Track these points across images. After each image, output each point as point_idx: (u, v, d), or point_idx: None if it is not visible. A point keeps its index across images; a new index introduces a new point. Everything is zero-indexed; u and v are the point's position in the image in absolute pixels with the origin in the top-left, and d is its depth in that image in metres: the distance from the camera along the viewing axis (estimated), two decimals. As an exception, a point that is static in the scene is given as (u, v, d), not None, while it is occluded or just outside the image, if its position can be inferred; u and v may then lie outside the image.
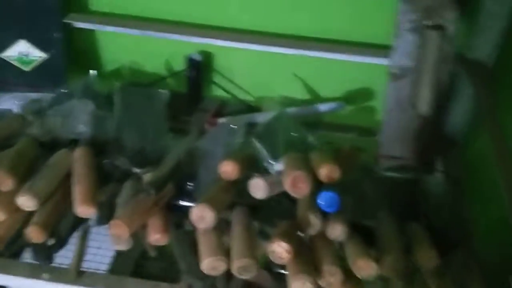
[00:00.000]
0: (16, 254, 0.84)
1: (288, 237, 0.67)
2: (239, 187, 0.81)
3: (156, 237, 0.77)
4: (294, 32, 1.13)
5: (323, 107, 1.11)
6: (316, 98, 1.18)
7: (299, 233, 0.73)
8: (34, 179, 0.79)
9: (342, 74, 1.15)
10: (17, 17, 1.04)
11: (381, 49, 1.04)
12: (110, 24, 1.08)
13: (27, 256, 0.84)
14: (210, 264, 0.70)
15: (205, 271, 0.71)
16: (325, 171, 0.76)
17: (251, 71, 1.19)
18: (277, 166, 0.80)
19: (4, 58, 1.08)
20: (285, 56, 1.12)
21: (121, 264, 1.04)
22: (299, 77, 1.17)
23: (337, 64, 1.11)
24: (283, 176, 0.72)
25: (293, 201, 0.83)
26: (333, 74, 1.16)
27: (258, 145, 0.82)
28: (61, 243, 0.83)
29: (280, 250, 0.66)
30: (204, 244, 0.72)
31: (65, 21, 1.06)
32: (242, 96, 1.20)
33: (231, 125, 0.96)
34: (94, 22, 1.08)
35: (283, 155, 0.82)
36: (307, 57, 1.11)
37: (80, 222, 0.86)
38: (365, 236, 0.80)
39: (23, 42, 1.06)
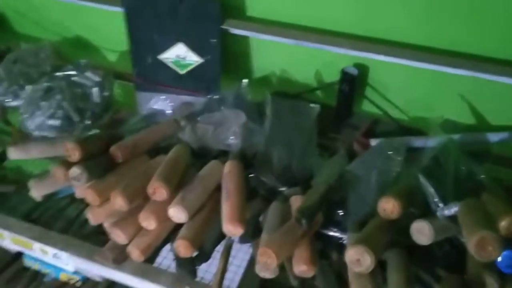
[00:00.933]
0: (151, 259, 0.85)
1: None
2: (398, 224, 0.73)
3: (302, 268, 0.71)
4: (463, 49, 1.00)
5: (493, 136, 0.97)
6: (484, 125, 1.04)
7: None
8: (186, 190, 0.78)
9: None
10: (179, 21, 1.05)
11: None
12: (265, 32, 1.05)
13: (169, 265, 0.85)
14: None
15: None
16: (507, 224, 0.64)
17: (409, 89, 1.08)
18: (447, 210, 0.70)
19: (162, 59, 1.10)
20: (451, 75, 1.00)
21: (249, 282, 1.01)
22: (466, 99, 1.04)
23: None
24: (465, 234, 0.62)
25: (457, 247, 0.73)
26: (507, 99, 1.01)
27: (424, 181, 0.73)
28: (205, 257, 0.82)
29: (453, 316, 0.57)
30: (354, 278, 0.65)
31: (222, 27, 1.05)
32: (396, 114, 1.10)
33: (388, 151, 0.87)
34: (250, 30, 1.06)
35: (453, 195, 0.72)
36: (476, 78, 0.98)
37: (223, 236, 0.84)
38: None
39: (181, 45, 1.07)
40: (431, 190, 0.72)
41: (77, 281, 1.35)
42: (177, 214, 0.76)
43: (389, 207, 0.70)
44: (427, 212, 0.74)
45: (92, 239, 0.91)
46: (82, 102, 1.09)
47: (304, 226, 0.71)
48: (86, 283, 1.36)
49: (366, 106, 1.12)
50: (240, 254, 0.88)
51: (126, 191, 0.77)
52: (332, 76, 1.11)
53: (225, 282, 0.81)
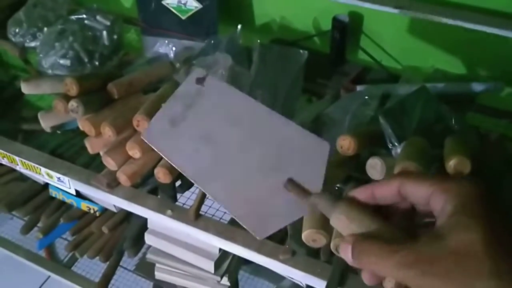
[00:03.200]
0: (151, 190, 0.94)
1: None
2: (359, 161, 0.78)
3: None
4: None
5: (477, 86, 0.99)
6: (473, 74, 1.05)
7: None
8: (168, 124, 0.86)
9: (508, 51, 1.00)
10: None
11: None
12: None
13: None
14: (310, 235, 0.70)
15: (305, 242, 0.71)
16: (453, 164, 0.69)
17: (402, 38, 1.10)
18: (399, 148, 0.74)
19: (165, 5, 1.16)
20: (442, 26, 1.01)
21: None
22: (457, 49, 1.05)
23: (503, 39, 0.96)
24: (396, 164, 0.67)
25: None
26: (496, 50, 1.01)
27: (384, 122, 0.77)
28: (187, 185, 0.91)
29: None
30: (308, 215, 0.71)
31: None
32: (389, 63, 1.13)
33: (366, 95, 0.91)
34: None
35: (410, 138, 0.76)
36: (467, 29, 0.99)
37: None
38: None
39: (183, -9, 1.13)
40: (388, 130, 0.76)
41: (96, 211, 1.48)
42: (158, 144, 0.84)
43: (345, 144, 0.75)
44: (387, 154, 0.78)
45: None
46: (92, 44, 1.17)
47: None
48: (104, 213, 1.49)
49: (361, 55, 1.15)
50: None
51: (114, 122, 0.85)
52: (328, 24, 1.14)
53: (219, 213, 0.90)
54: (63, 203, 1.57)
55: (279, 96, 0.97)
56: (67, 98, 0.91)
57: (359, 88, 1.03)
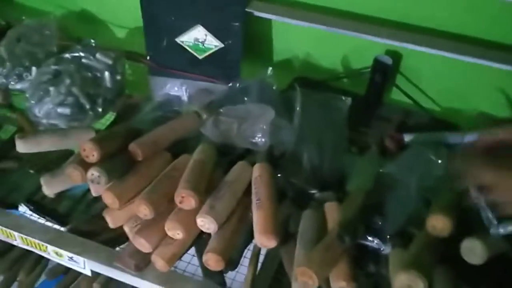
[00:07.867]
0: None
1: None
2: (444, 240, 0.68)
3: (341, 284, 0.67)
4: (503, 40, 0.93)
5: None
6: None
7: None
8: (214, 198, 0.72)
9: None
10: (199, 4, 0.96)
11: None
12: (293, 16, 0.97)
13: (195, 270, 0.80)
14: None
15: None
16: None
17: (443, 79, 1.01)
18: (503, 229, 0.65)
19: (180, 42, 1.02)
20: (487, 67, 0.93)
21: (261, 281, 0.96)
22: (503, 92, 0.98)
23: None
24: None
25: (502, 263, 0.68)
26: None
27: (479, 201, 0.67)
28: (233, 265, 0.77)
29: None
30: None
31: (246, 10, 0.96)
32: (427, 105, 1.04)
33: (428, 153, 0.81)
34: (276, 13, 0.97)
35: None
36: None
37: (249, 243, 0.79)
38: None
39: (201, 28, 0.99)
40: (484, 205, 0.66)
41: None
42: (205, 224, 0.70)
43: (439, 225, 0.65)
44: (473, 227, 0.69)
45: (98, 223, 0.86)
46: (92, 87, 1.01)
47: (348, 243, 0.66)
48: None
49: (396, 96, 1.06)
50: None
51: (150, 198, 0.71)
52: (360, 63, 1.04)
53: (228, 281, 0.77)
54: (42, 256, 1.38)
55: (326, 151, 0.86)
56: (84, 164, 0.76)
57: (406, 137, 0.93)
